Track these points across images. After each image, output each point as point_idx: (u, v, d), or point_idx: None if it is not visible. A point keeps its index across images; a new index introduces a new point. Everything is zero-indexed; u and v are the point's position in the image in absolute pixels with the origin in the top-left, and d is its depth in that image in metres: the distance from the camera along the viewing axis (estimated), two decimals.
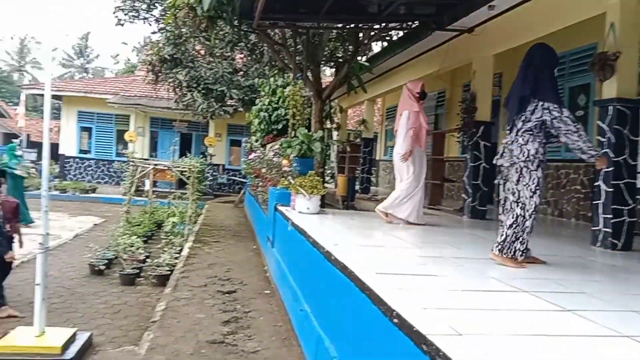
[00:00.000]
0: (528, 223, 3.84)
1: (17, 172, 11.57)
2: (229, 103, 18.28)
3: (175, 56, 16.47)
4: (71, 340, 4.84)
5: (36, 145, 24.36)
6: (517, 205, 3.88)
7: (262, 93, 13.31)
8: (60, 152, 22.84)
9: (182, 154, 18.72)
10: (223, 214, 15.12)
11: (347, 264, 3.35)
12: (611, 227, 5.20)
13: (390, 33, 11.07)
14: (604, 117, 5.35)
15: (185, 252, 8.60)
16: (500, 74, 9.59)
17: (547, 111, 3.77)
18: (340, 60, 12.14)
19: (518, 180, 3.88)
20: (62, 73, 53.75)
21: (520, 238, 3.84)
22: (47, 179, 4.81)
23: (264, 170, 10.06)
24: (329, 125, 13.65)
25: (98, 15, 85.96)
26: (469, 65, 8.36)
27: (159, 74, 17.03)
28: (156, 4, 16.26)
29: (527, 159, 3.81)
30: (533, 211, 3.83)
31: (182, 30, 13.95)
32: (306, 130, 7.87)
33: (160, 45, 16.33)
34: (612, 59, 5.26)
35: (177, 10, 8.37)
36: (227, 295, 6.16)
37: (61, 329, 5.07)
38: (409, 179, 6.25)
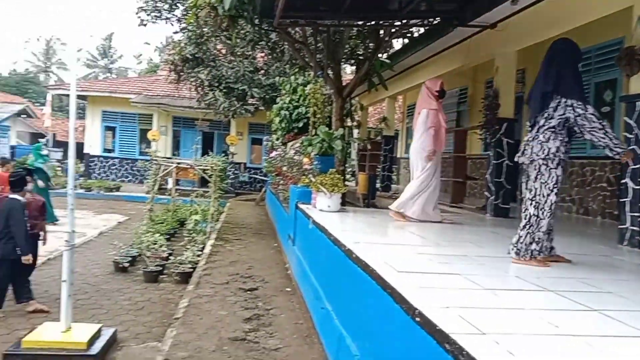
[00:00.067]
0: (544, 223, 3.76)
1: (42, 167, 11.77)
2: (250, 102, 18.38)
3: (197, 55, 16.60)
4: (96, 336, 4.93)
5: (62, 145, 24.83)
6: (532, 204, 3.81)
7: (283, 91, 13.36)
8: (85, 151, 23.24)
9: (204, 152, 18.93)
10: (244, 212, 15.21)
11: (369, 262, 3.34)
12: (639, 225, 5.08)
13: (411, 30, 10.99)
14: (631, 113, 5.22)
15: (207, 249, 8.68)
16: (523, 70, 9.45)
17: (571, 108, 3.67)
18: (361, 57, 12.10)
19: (536, 178, 3.80)
20: (86, 73, 54.72)
21: (537, 239, 3.77)
22: (73, 178, 4.89)
23: (285, 168, 10.09)
24: (349, 123, 13.63)
25: (121, 16, 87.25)
26: (491, 61, 8.26)
27: (181, 74, 17.20)
28: (178, 4, 16.38)
29: (547, 156, 3.73)
30: (549, 210, 3.75)
31: (204, 29, 14.05)
32: (327, 128, 7.87)
33: (182, 44, 16.48)
34: None
35: (198, 10, 8.44)
36: (248, 292, 6.20)
37: (87, 325, 5.17)
38: (421, 176, 6.20)
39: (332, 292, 4.51)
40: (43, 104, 31.15)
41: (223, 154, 20.16)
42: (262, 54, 17.28)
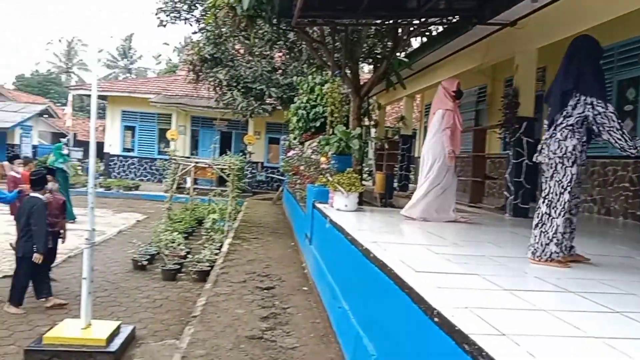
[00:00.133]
0: (558, 222, 3.69)
1: (63, 167, 11.94)
2: (267, 101, 18.45)
3: (215, 55, 16.71)
4: (115, 333, 4.98)
5: (83, 144, 25.19)
6: (544, 202, 3.76)
7: (301, 91, 13.37)
8: (105, 150, 23.53)
9: (222, 152, 19.02)
10: (262, 211, 15.26)
11: (387, 262, 3.32)
12: None
13: (429, 28, 10.92)
14: None
15: (225, 248, 8.72)
16: (544, 68, 9.32)
17: (590, 106, 3.60)
18: (379, 56, 12.06)
19: (552, 176, 3.74)
20: (106, 74, 55.40)
21: (555, 239, 3.70)
22: (93, 177, 4.95)
23: (302, 167, 10.10)
24: (367, 123, 13.59)
25: (140, 16, 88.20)
26: (511, 59, 8.16)
27: (200, 74, 17.32)
28: (197, 5, 16.53)
29: (564, 155, 3.67)
30: (562, 209, 3.68)
31: (222, 29, 14.12)
32: (344, 128, 7.85)
33: (201, 45, 16.59)
34: None
35: (217, 10, 8.50)
36: (265, 291, 6.22)
37: (106, 322, 5.24)
38: (431, 176, 6.15)
39: (349, 291, 4.50)
40: (64, 104, 31.67)
41: (241, 154, 20.27)
42: (280, 54, 17.33)
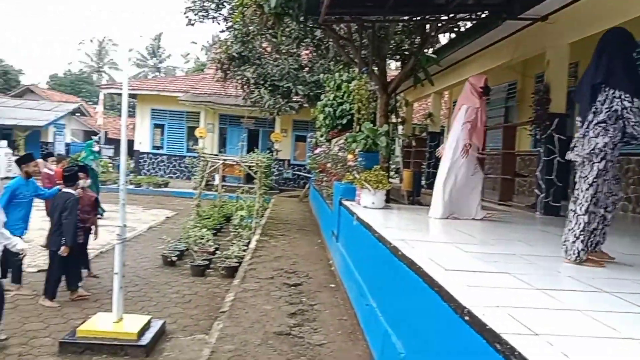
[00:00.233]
0: (585, 219, 3.60)
1: (92, 164, 12.19)
2: (294, 99, 18.48)
3: (243, 54, 16.80)
4: (146, 327, 5.07)
5: (113, 142, 25.68)
6: (572, 200, 3.70)
7: (327, 88, 13.33)
8: (135, 148, 23.93)
9: (250, 149, 19.15)
10: (288, 208, 15.33)
11: (415, 260, 3.30)
12: None
13: (458, 24, 10.78)
14: None
15: (252, 244, 8.79)
16: (576, 64, 9.11)
17: (619, 100, 3.49)
18: (407, 53, 11.95)
19: (581, 173, 3.67)
20: (136, 73, 56.34)
21: (581, 237, 3.62)
22: (124, 174, 5.04)
23: (329, 165, 10.10)
24: (394, 120, 13.50)
25: (169, 16, 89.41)
26: (541, 55, 7.99)
27: (228, 72, 17.45)
28: (224, 3, 16.65)
29: (593, 151, 3.57)
30: (589, 206, 3.59)
31: (250, 28, 14.21)
32: (371, 125, 7.81)
33: (229, 43, 16.71)
34: None
35: (244, 9, 8.55)
36: (293, 287, 6.25)
37: (137, 316, 5.34)
38: (444, 173, 6.07)
39: (377, 289, 4.49)
40: (96, 103, 32.33)
41: (268, 151, 20.38)
42: (307, 51, 17.34)
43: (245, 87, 18.06)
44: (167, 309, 6.09)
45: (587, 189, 3.60)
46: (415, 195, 10.22)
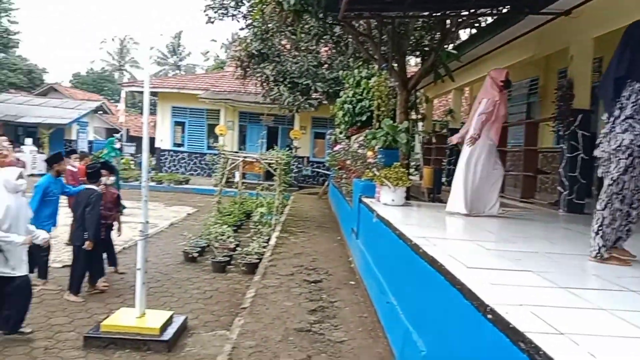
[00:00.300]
0: (604, 214, 3.53)
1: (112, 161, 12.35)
2: (313, 96, 18.49)
3: (262, 51, 16.86)
4: (168, 322, 5.14)
5: (135, 139, 25.97)
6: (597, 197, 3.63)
7: (347, 85, 13.31)
8: (156, 145, 24.20)
9: (269, 146, 19.25)
10: (308, 205, 15.35)
11: (437, 257, 3.28)
12: None
13: (479, 19, 10.66)
14: None
15: (272, 241, 8.83)
16: (600, 59, 8.93)
17: None
18: (427, 49, 11.86)
19: (606, 170, 3.59)
20: (157, 71, 56.85)
21: (600, 232, 3.56)
22: (146, 171, 5.10)
23: (348, 162, 10.08)
24: (414, 116, 13.41)
25: (189, 14, 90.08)
26: (565, 50, 7.86)
27: (247, 69, 17.54)
28: (244, 1, 16.71)
29: (619, 147, 3.48)
30: (609, 202, 3.51)
31: (269, 25, 14.24)
32: (391, 122, 7.78)
33: (248, 41, 16.79)
34: None
35: (264, 6, 8.58)
36: (313, 284, 6.26)
37: (159, 312, 5.41)
38: (463, 167, 6.02)
39: (397, 286, 4.47)
40: (118, 101, 32.69)
41: (287, 148, 20.43)
42: (326, 48, 17.32)
43: (264, 84, 18.13)
44: (189, 305, 6.16)
45: (609, 185, 3.53)
46: (436, 192, 10.16)
